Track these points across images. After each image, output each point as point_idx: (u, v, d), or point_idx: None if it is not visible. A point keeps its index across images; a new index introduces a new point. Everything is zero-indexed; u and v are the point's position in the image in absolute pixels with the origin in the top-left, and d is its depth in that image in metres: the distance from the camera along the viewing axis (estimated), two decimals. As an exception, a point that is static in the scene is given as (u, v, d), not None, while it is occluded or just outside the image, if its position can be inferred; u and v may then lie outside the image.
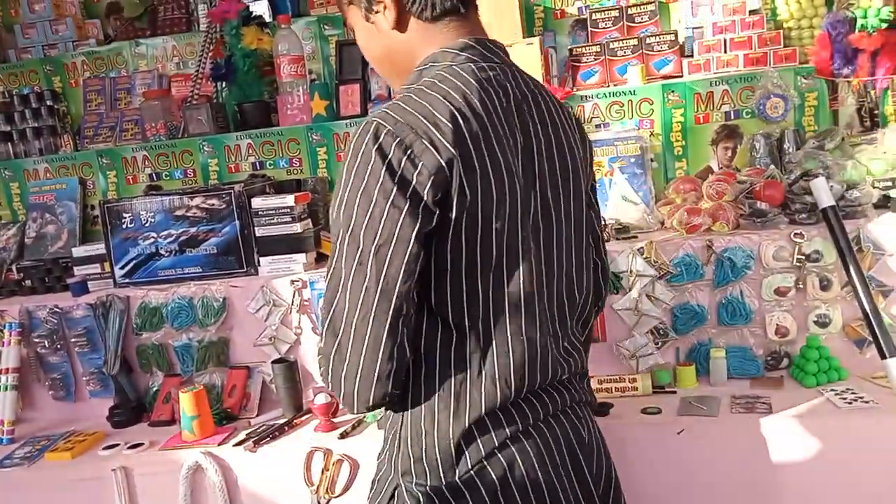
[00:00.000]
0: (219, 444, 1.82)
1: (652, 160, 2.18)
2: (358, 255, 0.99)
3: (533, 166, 1.08)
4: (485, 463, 1.05)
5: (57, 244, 2.49)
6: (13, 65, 2.92)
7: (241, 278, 2.09)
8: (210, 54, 2.66)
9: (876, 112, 2.10)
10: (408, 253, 0.98)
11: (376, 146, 0.98)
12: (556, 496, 1.09)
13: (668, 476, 1.60)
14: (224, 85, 2.65)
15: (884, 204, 1.89)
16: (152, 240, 2.15)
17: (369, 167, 0.97)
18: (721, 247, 1.83)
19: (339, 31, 2.70)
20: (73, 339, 2.15)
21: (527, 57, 2.33)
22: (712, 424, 1.60)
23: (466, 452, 1.05)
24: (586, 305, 1.22)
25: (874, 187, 1.89)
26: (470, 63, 1.06)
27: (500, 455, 1.06)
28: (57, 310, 2.16)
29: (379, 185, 0.97)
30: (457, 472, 1.05)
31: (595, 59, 2.38)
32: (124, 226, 2.17)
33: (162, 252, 2.15)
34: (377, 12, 1.10)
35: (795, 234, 1.80)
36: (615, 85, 2.32)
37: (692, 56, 2.29)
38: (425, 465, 1.07)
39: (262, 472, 1.77)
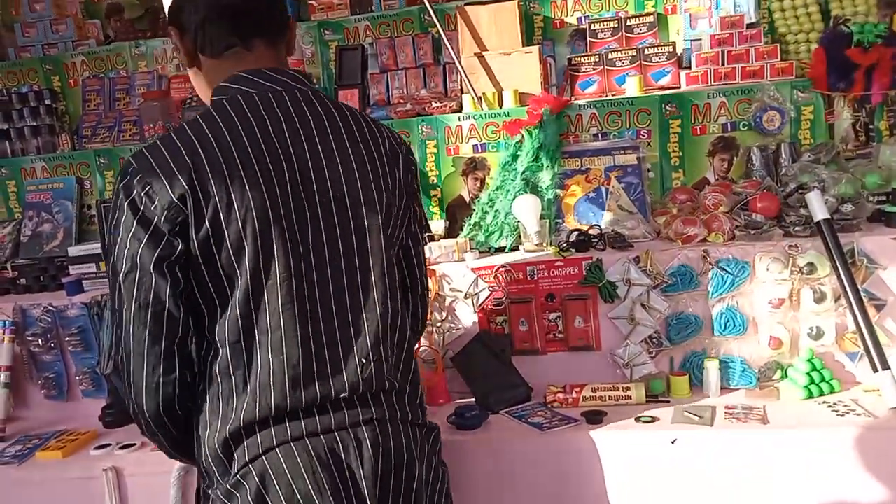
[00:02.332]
0: (211, 446, 1.81)
1: (649, 170, 2.19)
2: (117, 282, 1.13)
3: (304, 187, 1.15)
4: (249, 468, 1.14)
5: (52, 243, 2.48)
6: (12, 63, 2.92)
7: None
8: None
9: (871, 127, 2.12)
10: (153, 280, 1.11)
11: (123, 183, 1.12)
12: None
13: (661, 485, 1.60)
14: (223, 87, 2.65)
15: (878, 218, 1.90)
16: (149, 240, 2.14)
17: (118, 202, 1.12)
18: (716, 257, 1.84)
19: (339, 36, 2.71)
20: (66, 339, 2.15)
21: (525, 65, 2.35)
22: (706, 434, 1.61)
23: (234, 458, 1.15)
24: (395, 322, 1.23)
25: (868, 201, 1.91)
26: (238, 96, 1.17)
27: (260, 462, 1.14)
28: (51, 308, 2.15)
29: (124, 219, 1.11)
30: (228, 477, 1.16)
31: (594, 69, 2.40)
32: (121, 226, 2.16)
33: (158, 253, 2.14)
34: (181, 54, 1.25)
35: (790, 246, 1.81)
36: (613, 95, 2.34)
37: (690, 68, 2.31)
38: (205, 468, 1.19)
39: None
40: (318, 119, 1.19)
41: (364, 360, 1.18)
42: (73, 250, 2.28)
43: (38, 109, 2.70)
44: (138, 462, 1.82)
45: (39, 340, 2.15)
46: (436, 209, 2.31)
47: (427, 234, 2.12)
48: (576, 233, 2.02)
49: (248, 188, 1.11)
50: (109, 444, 1.91)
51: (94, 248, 2.24)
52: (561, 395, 1.82)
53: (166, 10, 1.26)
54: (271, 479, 1.13)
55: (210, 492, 1.21)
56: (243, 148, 1.12)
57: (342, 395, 1.16)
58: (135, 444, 1.89)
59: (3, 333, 2.12)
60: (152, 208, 1.09)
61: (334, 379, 1.16)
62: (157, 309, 1.12)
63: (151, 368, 1.14)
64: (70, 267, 2.26)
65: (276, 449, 1.14)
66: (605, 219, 2.11)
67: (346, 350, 1.17)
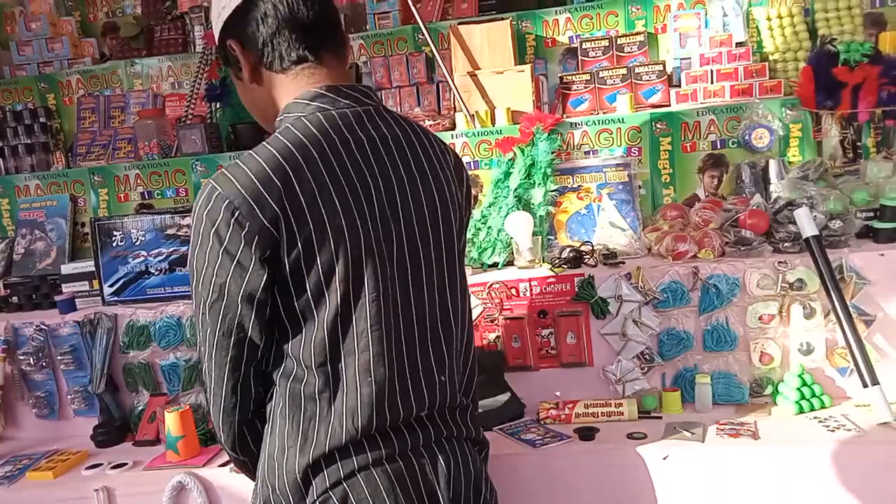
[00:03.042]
0: (203, 465, 1.80)
1: (640, 187, 2.21)
2: (200, 306, 1.12)
3: (389, 206, 1.12)
4: (329, 494, 1.11)
5: (45, 261, 2.48)
6: (8, 81, 2.94)
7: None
8: (205, 75, 2.69)
9: (858, 144, 2.15)
10: (238, 311, 1.09)
11: (208, 209, 1.07)
12: None
13: (653, 501, 1.60)
14: (218, 106, 2.68)
15: (866, 234, 1.92)
16: (142, 258, 2.15)
17: (202, 229, 1.08)
18: (706, 274, 1.86)
19: (334, 54, 2.74)
20: (58, 357, 2.14)
21: (518, 84, 2.38)
22: (698, 450, 1.61)
23: (313, 484, 1.12)
24: (464, 338, 1.24)
25: (856, 217, 1.93)
26: (318, 113, 1.12)
27: (341, 488, 1.11)
28: (43, 327, 2.15)
29: (209, 247, 1.07)
30: (304, 503, 1.12)
31: (585, 88, 2.42)
32: (114, 244, 2.17)
33: (151, 270, 2.15)
34: (240, 69, 1.18)
35: (779, 262, 1.83)
36: (604, 113, 2.37)
37: (680, 86, 2.33)
38: (279, 494, 1.14)
39: (246, 492, 1.73)
40: (395, 137, 1.16)
41: (444, 378, 1.18)
42: (66, 268, 2.29)
43: (33, 127, 2.72)
44: (130, 482, 1.81)
45: (31, 359, 2.14)
46: (429, 226, 2.32)
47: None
48: (568, 249, 2.04)
49: (339, 209, 1.07)
50: (101, 464, 1.90)
51: (88, 266, 2.24)
52: (554, 412, 1.83)
53: (221, 23, 1.17)
54: (356, 500, 1.11)
55: None
56: (331, 167, 1.08)
57: (422, 413, 1.16)
58: (127, 464, 1.88)
59: (-5, 352, 2.12)
60: (242, 234, 1.05)
61: (416, 398, 1.15)
62: (240, 336, 1.11)
63: (231, 389, 1.15)
64: (63, 285, 2.26)
65: (358, 475, 1.12)
66: (597, 235, 2.12)
67: (426, 369, 1.16)
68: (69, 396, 2.15)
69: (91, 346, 2.10)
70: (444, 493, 1.16)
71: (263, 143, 1.11)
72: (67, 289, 2.24)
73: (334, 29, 1.19)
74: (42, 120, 2.74)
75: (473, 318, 1.97)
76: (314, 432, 1.11)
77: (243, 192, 1.05)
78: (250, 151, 1.10)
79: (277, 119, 1.15)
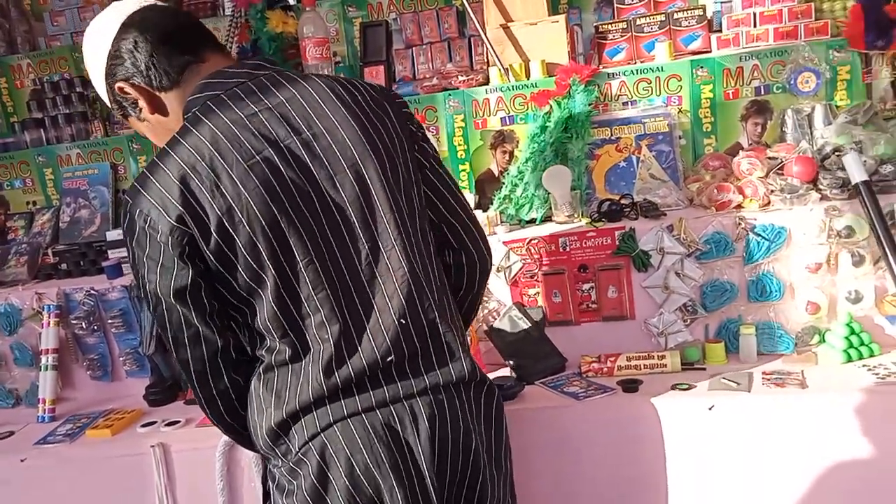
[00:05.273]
0: (253, 421, 1.86)
1: (680, 137, 2.16)
2: (152, 313, 1.20)
3: (301, 168, 1.14)
4: (309, 445, 1.16)
5: (90, 228, 2.54)
6: (43, 52, 2.96)
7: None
8: (236, 38, 2.67)
9: (911, 85, 2.06)
10: (180, 310, 1.15)
11: (126, 224, 1.15)
12: (374, 483, 1.15)
13: (700, 451, 1.61)
14: (250, 69, 2.67)
15: (919, 178, 1.86)
16: (184, 222, 2.18)
17: (127, 243, 1.17)
18: (751, 223, 1.82)
19: (363, 12, 2.70)
20: (109, 321, 2.20)
21: (552, 35, 2.32)
22: (745, 400, 1.60)
23: (293, 435, 1.17)
24: (423, 276, 1.20)
25: (909, 161, 1.86)
26: (208, 102, 1.16)
27: (319, 440, 1.16)
28: (93, 292, 2.21)
29: (137, 258, 1.15)
30: (291, 455, 1.18)
31: (621, 36, 2.35)
32: (156, 209, 2.20)
33: (193, 234, 2.18)
34: (141, 109, 1.24)
35: (827, 209, 1.78)
36: (642, 62, 2.30)
37: (721, 31, 2.25)
38: (266, 450, 1.23)
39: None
40: (291, 96, 1.17)
41: (403, 321, 1.17)
42: (111, 235, 2.33)
43: (71, 97, 2.74)
44: (184, 438, 1.88)
45: (83, 323, 2.21)
46: (465, 184, 2.31)
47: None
48: (607, 203, 2.01)
49: (243, 189, 1.11)
50: (155, 422, 1.97)
51: (132, 231, 2.29)
52: (596, 365, 1.83)
53: (102, 75, 1.23)
54: (331, 455, 1.15)
55: (276, 470, 1.24)
56: (226, 150, 1.12)
57: (388, 359, 1.17)
58: (180, 422, 1.94)
59: (49, 317, 2.19)
60: (157, 238, 1.11)
61: (377, 345, 1.16)
62: (192, 332, 1.17)
63: (203, 381, 1.22)
64: (109, 251, 2.31)
65: (334, 426, 1.15)
66: (637, 188, 2.09)
67: (383, 314, 1.17)
68: (121, 358, 2.23)
69: (139, 309, 2.16)
70: (424, 448, 1.16)
71: (164, 145, 1.16)
72: (113, 255, 2.30)
73: (198, 24, 1.25)
74: (79, 89, 2.76)
75: (513, 273, 1.98)
76: (286, 391, 1.17)
77: (149, 198, 1.12)
78: (155, 158, 1.16)
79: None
